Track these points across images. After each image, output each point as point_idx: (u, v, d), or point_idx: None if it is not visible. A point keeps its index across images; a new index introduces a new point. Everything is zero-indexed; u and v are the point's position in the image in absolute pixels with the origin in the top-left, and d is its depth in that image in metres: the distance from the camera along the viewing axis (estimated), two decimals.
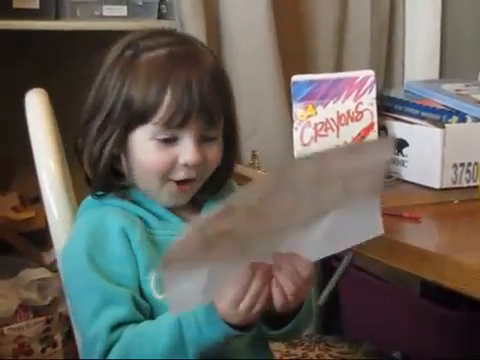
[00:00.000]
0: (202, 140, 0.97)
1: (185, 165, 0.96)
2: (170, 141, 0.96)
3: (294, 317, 0.95)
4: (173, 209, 1.01)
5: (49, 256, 1.88)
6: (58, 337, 1.79)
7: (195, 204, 1.04)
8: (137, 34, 1.00)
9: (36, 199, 2.02)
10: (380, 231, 0.91)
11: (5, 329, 1.73)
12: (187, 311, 0.87)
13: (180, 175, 0.97)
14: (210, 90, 0.95)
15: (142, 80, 0.95)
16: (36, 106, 1.12)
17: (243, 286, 0.85)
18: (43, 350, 1.78)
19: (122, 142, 0.98)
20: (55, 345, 1.79)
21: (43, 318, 1.78)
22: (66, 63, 2.02)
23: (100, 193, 1.01)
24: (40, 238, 1.94)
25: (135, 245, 0.96)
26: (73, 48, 1.94)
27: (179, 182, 0.98)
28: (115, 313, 0.93)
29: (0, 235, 1.86)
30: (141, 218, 0.99)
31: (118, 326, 0.92)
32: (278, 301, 0.88)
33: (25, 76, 1.87)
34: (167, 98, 0.94)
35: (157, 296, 0.95)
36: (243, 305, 0.86)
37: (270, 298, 0.87)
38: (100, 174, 0.98)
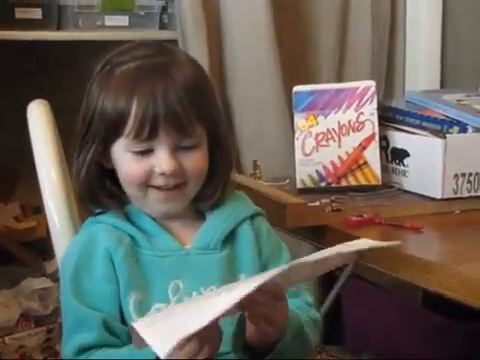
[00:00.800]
0: (178, 149, 0.98)
1: (162, 174, 0.98)
2: (145, 153, 0.98)
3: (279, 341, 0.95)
4: (169, 224, 1.02)
5: (50, 266, 1.88)
6: (59, 347, 1.78)
7: (196, 213, 1.04)
8: (118, 49, 1.02)
9: (38, 209, 2.02)
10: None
11: (6, 338, 1.73)
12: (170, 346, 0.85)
13: (159, 182, 0.99)
14: (178, 100, 0.96)
15: (112, 94, 0.98)
16: (38, 117, 1.13)
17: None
18: None
19: (105, 154, 1.00)
20: (56, 355, 1.79)
21: (44, 328, 1.78)
22: (68, 73, 2.02)
23: (98, 211, 1.02)
24: (41, 248, 1.94)
25: (117, 266, 0.97)
26: (76, 58, 1.95)
27: (162, 188, 0.99)
28: (83, 338, 0.95)
29: (2, 244, 1.87)
30: (130, 236, 1.00)
31: (85, 350, 0.95)
32: (255, 332, 0.91)
33: (27, 86, 1.88)
34: (133, 110, 0.95)
35: (136, 318, 0.96)
36: (188, 348, 0.86)
37: (217, 346, 0.88)
38: (82, 184, 1.00)
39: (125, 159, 0.98)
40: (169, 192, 0.99)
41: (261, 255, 1.04)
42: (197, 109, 0.97)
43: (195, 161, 0.99)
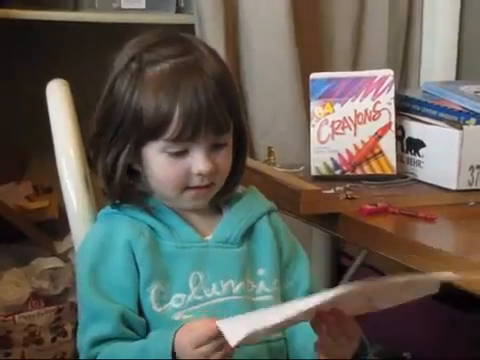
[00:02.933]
0: (212, 148, 0.98)
1: (199, 174, 0.97)
2: (181, 153, 0.97)
3: None
4: (189, 215, 1.02)
5: (61, 246, 1.89)
6: (68, 327, 1.80)
7: (213, 207, 1.04)
8: (141, 44, 1.00)
9: (49, 189, 2.03)
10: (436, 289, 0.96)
11: (17, 317, 1.74)
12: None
13: (195, 182, 0.98)
14: (216, 99, 0.95)
15: (150, 97, 0.96)
16: (57, 96, 1.13)
17: (211, 336, 0.88)
18: (53, 339, 1.79)
19: (135, 154, 0.99)
20: (65, 335, 1.80)
21: (54, 307, 1.79)
22: (85, 54, 2.03)
23: (117, 201, 1.02)
24: (53, 228, 1.95)
25: (139, 257, 0.97)
26: (94, 39, 1.95)
27: (197, 187, 0.99)
28: (98, 329, 0.95)
29: (14, 224, 1.87)
30: (151, 227, 0.99)
31: (101, 342, 0.95)
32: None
33: (39, 67, 1.88)
34: (176, 113, 0.95)
35: (156, 309, 0.96)
36: (204, 349, 0.88)
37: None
38: (116, 187, 0.99)
39: (160, 161, 0.97)
40: (202, 190, 0.99)
41: (282, 253, 1.05)
42: (229, 105, 0.98)
43: (225, 159, 1.00)
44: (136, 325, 0.96)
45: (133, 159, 0.99)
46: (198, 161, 0.96)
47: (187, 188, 0.98)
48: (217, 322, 0.87)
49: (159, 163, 0.98)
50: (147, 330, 0.97)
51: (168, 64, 0.97)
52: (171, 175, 0.97)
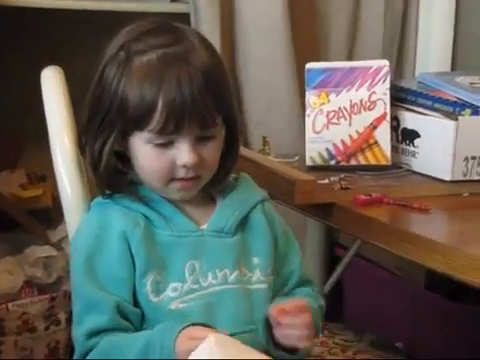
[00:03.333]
0: (198, 140, 0.97)
1: (183, 166, 0.97)
2: (166, 145, 0.97)
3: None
4: (182, 205, 1.01)
5: (55, 234, 1.89)
6: (62, 315, 1.79)
7: (206, 196, 1.04)
8: (131, 33, 0.99)
9: (43, 177, 2.02)
10: None
11: (10, 305, 1.74)
12: None
13: (180, 174, 0.98)
14: (201, 93, 0.94)
15: (135, 87, 0.95)
16: (52, 83, 1.12)
17: None
18: (47, 328, 1.78)
19: (122, 142, 0.99)
20: (58, 323, 1.80)
21: (47, 296, 1.78)
22: (80, 41, 2.02)
23: (109, 192, 1.02)
24: (46, 216, 1.94)
25: (134, 248, 0.97)
26: (89, 26, 1.94)
27: (182, 179, 0.98)
28: (94, 321, 0.95)
29: (7, 212, 1.87)
30: (145, 216, 0.99)
31: (97, 333, 0.95)
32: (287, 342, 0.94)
33: (35, 55, 1.87)
34: (160, 104, 0.94)
35: (153, 299, 0.96)
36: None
37: None
38: (102, 174, 0.99)
39: (145, 152, 0.97)
40: (187, 182, 0.98)
41: (277, 242, 1.05)
42: (218, 99, 0.97)
43: (212, 152, 0.99)
44: (131, 316, 0.96)
45: (121, 147, 0.99)
46: (183, 153, 0.96)
47: (173, 179, 0.98)
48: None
49: (145, 154, 0.97)
50: (142, 320, 0.97)
51: (155, 54, 0.96)
52: (156, 166, 0.97)
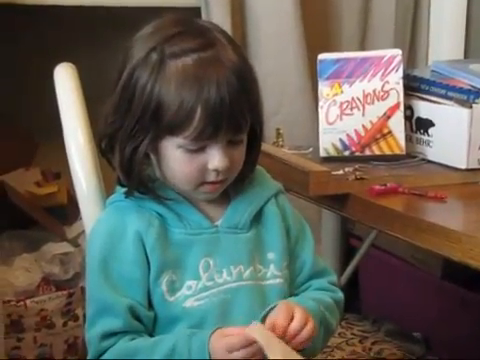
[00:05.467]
0: (228, 144, 0.97)
1: (214, 170, 0.97)
2: (199, 150, 0.96)
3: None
4: (197, 201, 1.01)
5: (71, 231, 1.90)
6: (79, 311, 1.81)
7: (222, 194, 1.03)
8: (162, 34, 0.97)
9: (58, 175, 2.03)
10: None
11: (28, 302, 1.75)
12: None
13: (211, 178, 0.97)
14: (238, 96, 0.93)
15: (173, 93, 0.93)
16: (65, 80, 1.12)
17: (245, 343, 0.89)
18: (65, 324, 1.80)
19: (153, 147, 0.97)
20: (76, 319, 1.81)
21: (65, 292, 1.80)
22: (92, 37, 2.02)
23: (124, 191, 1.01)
24: (62, 213, 1.95)
25: (149, 248, 0.96)
26: (101, 22, 1.94)
27: (212, 182, 0.98)
28: (108, 324, 0.95)
29: (23, 209, 1.88)
30: (160, 215, 0.99)
31: (111, 335, 0.95)
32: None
33: (48, 52, 1.88)
34: (198, 114, 0.93)
35: (168, 298, 0.96)
36: (236, 354, 0.89)
37: None
38: (134, 179, 0.98)
39: (176, 156, 0.96)
40: (216, 185, 0.99)
41: (289, 234, 1.04)
42: (250, 100, 0.96)
43: (240, 155, 0.99)
44: (144, 318, 0.96)
45: (149, 149, 0.98)
46: (215, 158, 0.95)
47: (203, 183, 0.98)
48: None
49: (176, 158, 0.96)
50: (154, 321, 0.97)
51: (190, 58, 0.94)
52: (187, 171, 0.96)
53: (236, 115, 0.94)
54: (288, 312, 0.93)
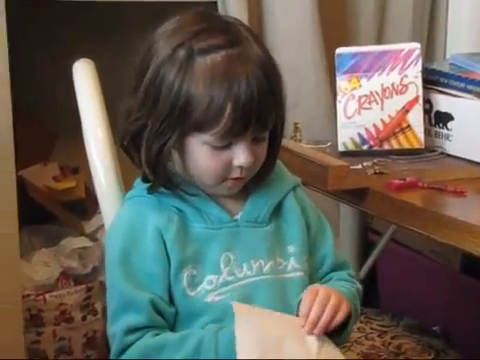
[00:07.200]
0: (253, 140, 0.97)
1: (239, 167, 0.97)
2: (225, 146, 0.96)
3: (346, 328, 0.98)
4: (218, 197, 1.01)
5: (89, 225, 1.91)
6: (98, 305, 1.82)
7: (242, 190, 1.03)
8: (188, 30, 0.96)
9: (76, 170, 2.04)
10: None
11: (47, 296, 1.77)
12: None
13: (235, 174, 0.97)
14: (265, 92, 0.93)
15: (202, 89, 0.93)
16: (83, 76, 1.13)
17: None
18: (84, 318, 1.81)
19: (178, 143, 0.97)
20: (95, 313, 1.82)
21: (84, 286, 1.81)
22: (107, 32, 2.02)
23: (140, 183, 1.01)
24: (80, 208, 1.97)
25: (169, 245, 0.97)
26: (116, 17, 1.95)
27: (236, 178, 0.99)
28: (132, 319, 0.95)
29: (42, 204, 1.89)
30: (179, 210, 0.99)
31: (135, 330, 0.95)
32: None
33: (67, 48, 1.88)
34: (227, 111, 0.93)
35: (189, 293, 0.96)
36: None
37: None
38: (160, 176, 0.98)
39: (202, 151, 0.96)
40: (239, 181, 0.99)
41: (309, 228, 1.05)
42: (277, 101, 0.96)
43: (263, 152, 0.99)
44: (166, 314, 0.96)
45: (176, 150, 0.98)
46: (241, 154, 0.96)
47: (226, 179, 0.98)
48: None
49: (201, 154, 0.96)
50: (175, 317, 0.97)
51: (219, 55, 0.94)
52: (212, 167, 0.96)
53: (264, 112, 0.94)
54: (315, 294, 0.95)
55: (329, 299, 0.95)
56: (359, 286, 1.07)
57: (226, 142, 0.95)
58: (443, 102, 1.43)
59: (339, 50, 1.43)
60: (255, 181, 1.02)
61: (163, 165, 0.97)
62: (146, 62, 0.97)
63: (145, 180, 1.00)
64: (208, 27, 0.96)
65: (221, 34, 0.95)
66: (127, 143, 0.99)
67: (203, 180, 0.99)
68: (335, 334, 0.97)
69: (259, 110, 0.93)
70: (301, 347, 0.92)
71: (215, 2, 1.74)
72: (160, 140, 0.96)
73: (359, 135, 1.43)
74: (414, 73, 1.42)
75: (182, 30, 0.96)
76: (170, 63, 0.95)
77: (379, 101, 1.42)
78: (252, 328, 0.91)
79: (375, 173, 1.31)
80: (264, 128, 0.96)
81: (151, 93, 0.96)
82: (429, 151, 1.43)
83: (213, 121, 0.93)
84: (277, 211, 1.03)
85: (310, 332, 0.93)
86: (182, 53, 0.95)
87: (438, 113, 1.43)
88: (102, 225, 1.14)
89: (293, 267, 1.01)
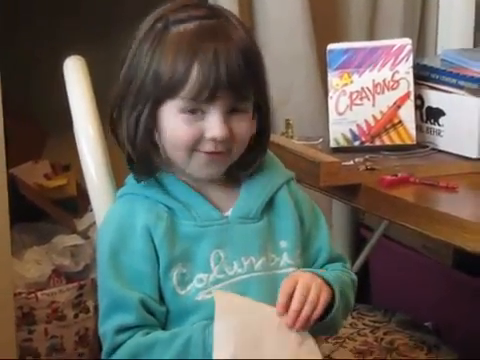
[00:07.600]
0: (231, 113, 0.96)
1: (212, 139, 0.95)
2: (197, 114, 0.95)
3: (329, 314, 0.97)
4: (206, 189, 1.00)
5: (81, 223, 1.90)
6: (90, 303, 1.81)
7: (233, 182, 1.02)
8: (169, 7, 0.98)
9: (67, 167, 2.04)
10: None
11: (39, 294, 1.76)
12: None
13: (207, 147, 0.96)
14: (239, 64, 0.93)
15: (170, 54, 0.94)
16: (74, 73, 1.12)
17: None
18: (76, 316, 1.80)
19: (154, 116, 0.97)
20: (87, 311, 1.82)
21: (76, 284, 1.81)
22: (103, 30, 2.02)
23: (131, 181, 1.01)
24: (71, 205, 1.96)
25: (158, 243, 0.96)
26: (118, 15, 1.94)
27: (207, 152, 0.97)
28: (122, 319, 0.95)
29: (33, 202, 1.88)
30: (169, 207, 0.98)
31: (125, 330, 0.95)
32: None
33: (57, 44, 1.88)
34: (194, 73, 0.93)
35: (179, 291, 0.96)
36: None
37: None
38: (139, 150, 0.97)
39: (175, 121, 0.95)
40: (214, 156, 0.97)
41: (303, 222, 1.04)
42: (252, 73, 0.96)
43: (244, 127, 0.97)
44: (156, 313, 0.96)
45: (152, 123, 0.97)
46: (213, 125, 0.94)
47: (197, 151, 0.96)
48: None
49: (174, 124, 0.95)
50: (165, 316, 0.97)
51: (193, 24, 0.95)
52: (184, 135, 0.95)
53: (236, 80, 0.93)
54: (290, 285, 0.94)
55: (309, 290, 0.94)
56: (354, 277, 1.06)
57: (196, 106, 0.94)
58: (434, 98, 1.43)
59: (331, 46, 1.43)
60: (244, 170, 1.01)
61: (141, 140, 0.97)
62: (130, 44, 0.99)
63: (131, 168, 1.00)
64: (190, 5, 0.98)
65: (200, 9, 0.97)
66: (115, 117, 0.99)
67: (176, 155, 0.97)
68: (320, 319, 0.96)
69: (229, 77, 0.93)
70: (280, 347, 0.91)
71: None
72: (136, 112, 0.96)
73: (351, 131, 1.43)
74: (405, 69, 1.42)
75: (163, 8, 0.99)
76: (147, 36, 0.97)
77: (370, 97, 1.42)
78: (230, 322, 0.90)
79: (367, 169, 1.32)
80: (238, 98, 0.95)
81: (129, 68, 0.98)
82: (421, 147, 1.43)
83: (180, 83, 0.93)
84: (269, 206, 1.02)
85: (291, 326, 0.93)
86: (159, 26, 0.97)
87: (429, 109, 1.44)
88: (94, 223, 1.14)
89: (286, 263, 1.00)
